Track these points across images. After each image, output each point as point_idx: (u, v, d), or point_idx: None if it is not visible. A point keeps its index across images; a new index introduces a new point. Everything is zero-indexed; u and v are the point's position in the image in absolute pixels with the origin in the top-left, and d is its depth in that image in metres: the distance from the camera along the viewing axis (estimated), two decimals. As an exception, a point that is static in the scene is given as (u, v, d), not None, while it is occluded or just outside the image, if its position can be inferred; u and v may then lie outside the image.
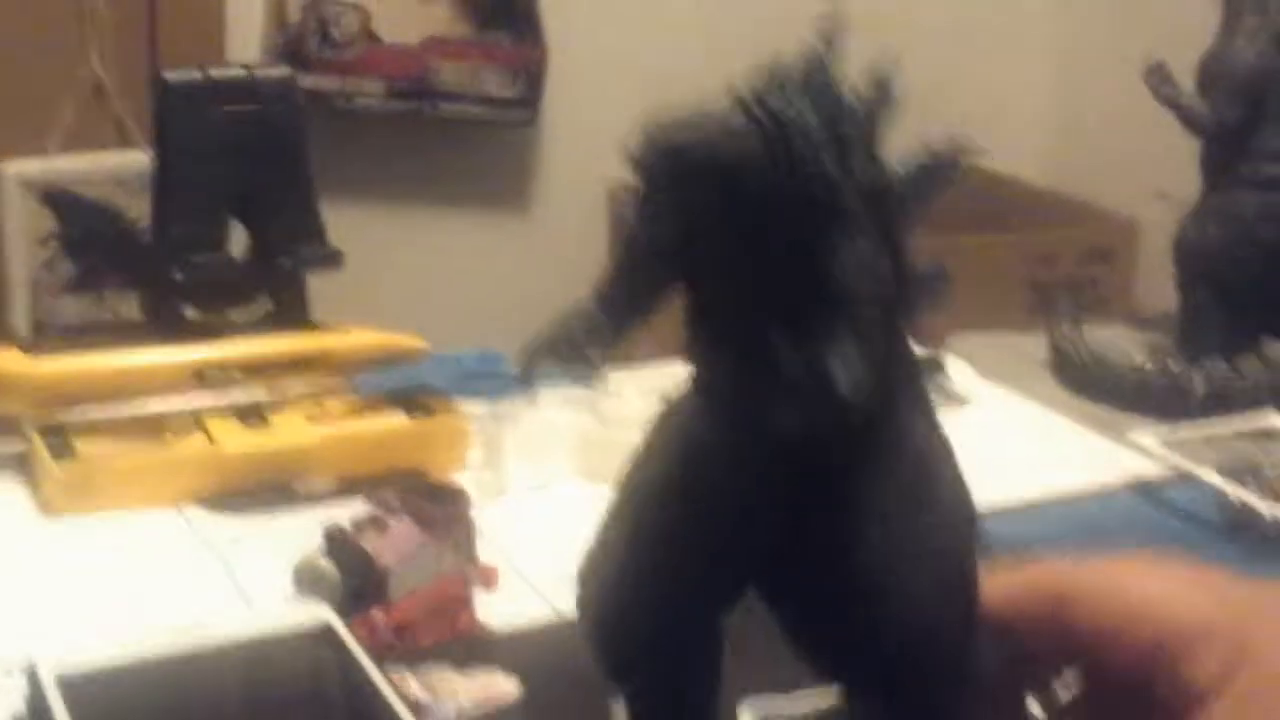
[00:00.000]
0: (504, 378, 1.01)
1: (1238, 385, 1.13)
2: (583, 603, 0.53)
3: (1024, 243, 2.39)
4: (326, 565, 0.78)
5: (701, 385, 0.48)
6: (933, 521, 0.47)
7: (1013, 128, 2.60)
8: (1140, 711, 0.45)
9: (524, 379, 0.47)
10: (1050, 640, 0.46)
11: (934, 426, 0.48)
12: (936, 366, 0.49)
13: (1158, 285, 1.73)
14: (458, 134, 2.39)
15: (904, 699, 0.49)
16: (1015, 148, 2.56)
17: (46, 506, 0.94)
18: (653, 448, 0.52)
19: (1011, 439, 1.11)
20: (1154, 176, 1.27)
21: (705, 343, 0.47)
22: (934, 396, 0.51)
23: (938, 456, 0.48)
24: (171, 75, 1.02)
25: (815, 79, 0.44)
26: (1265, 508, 0.94)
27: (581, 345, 0.48)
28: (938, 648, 0.47)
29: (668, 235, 0.45)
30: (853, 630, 0.48)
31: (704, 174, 0.42)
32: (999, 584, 0.47)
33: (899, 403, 0.46)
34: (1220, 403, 1.11)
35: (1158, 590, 0.44)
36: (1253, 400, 1.11)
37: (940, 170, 0.47)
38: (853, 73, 0.44)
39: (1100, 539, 0.97)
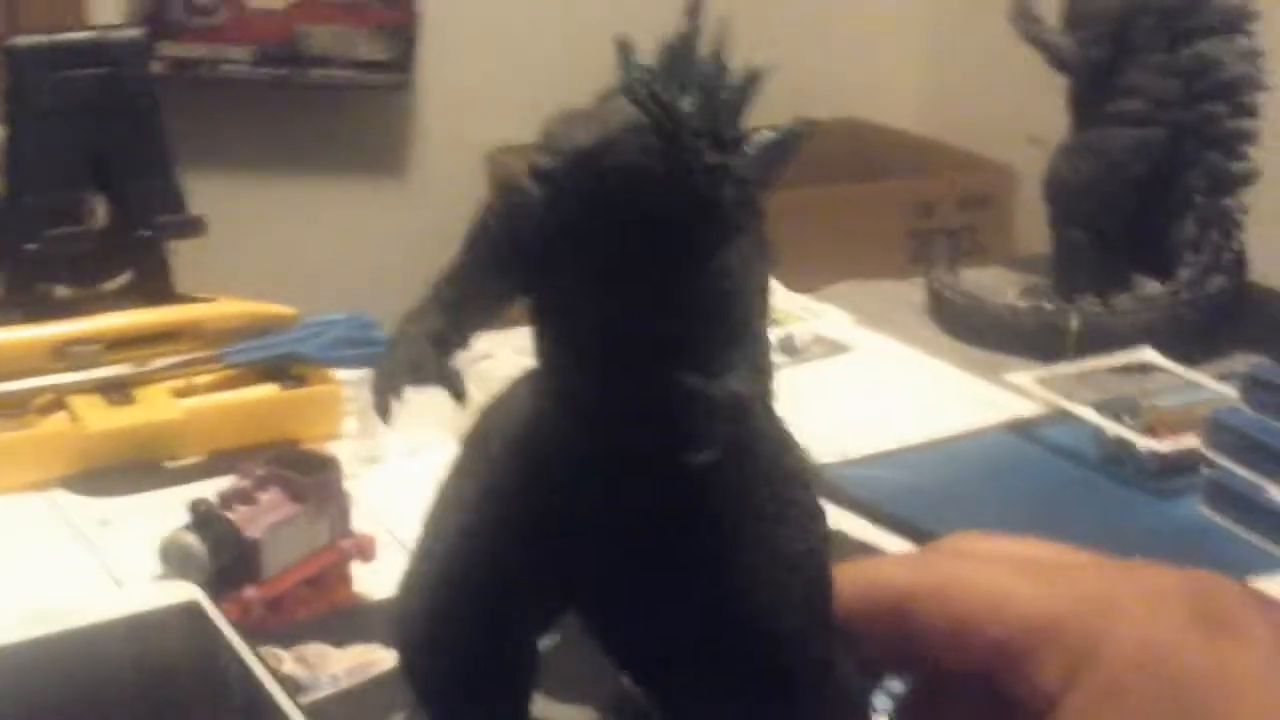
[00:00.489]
0: (377, 343, 0.99)
1: (1112, 322, 1.14)
2: (398, 615, 0.52)
3: (902, 191, 2.40)
4: (193, 541, 0.76)
5: (554, 391, 0.45)
6: (791, 522, 0.45)
7: (886, 76, 2.60)
8: (984, 715, 0.44)
9: (382, 412, 0.45)
10: (891, 644, 0.44)
11: (778, 419, 0.46)
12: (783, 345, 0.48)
13: (1036, 231, 1.74)
14: (329, 99, 2.36)
15: (767, 715, 0.47)
16: (889, 96, 2.57)
17: (-94, 492, 0.91)
18: (482, 448, 0.50)
19: (891, 385, 1.11)
20: (1029, 122, 1.27)
21: (563, 347, 0.44)
22: (804, 352, 0.49)
23: (789, 452, 0.46)
24: (19, 40, 0.99)
25: (689, 63, 0.42)
26: (1140, 441, 0.95)
27: (437, 363, 0.46)
28: (803, 660, 0.46)
29: (526, 241, 0.42)
30: (711, 644, 0.46)
31: (607, 174, 0.40)
32: (838, 586, 0.45)
33: (756, 399, 0.44)
34: (1095, 340, 1.12)
35: (1000, 586, 0.42)
36: (1127, 337, 1.11)
37: (785, 148, 0.45)
38: (715, 45, 0.42)
39: (981, 480, 0.98)
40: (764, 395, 0.43)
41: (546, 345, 0.45)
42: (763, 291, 0.44)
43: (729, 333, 0.42)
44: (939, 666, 0.44)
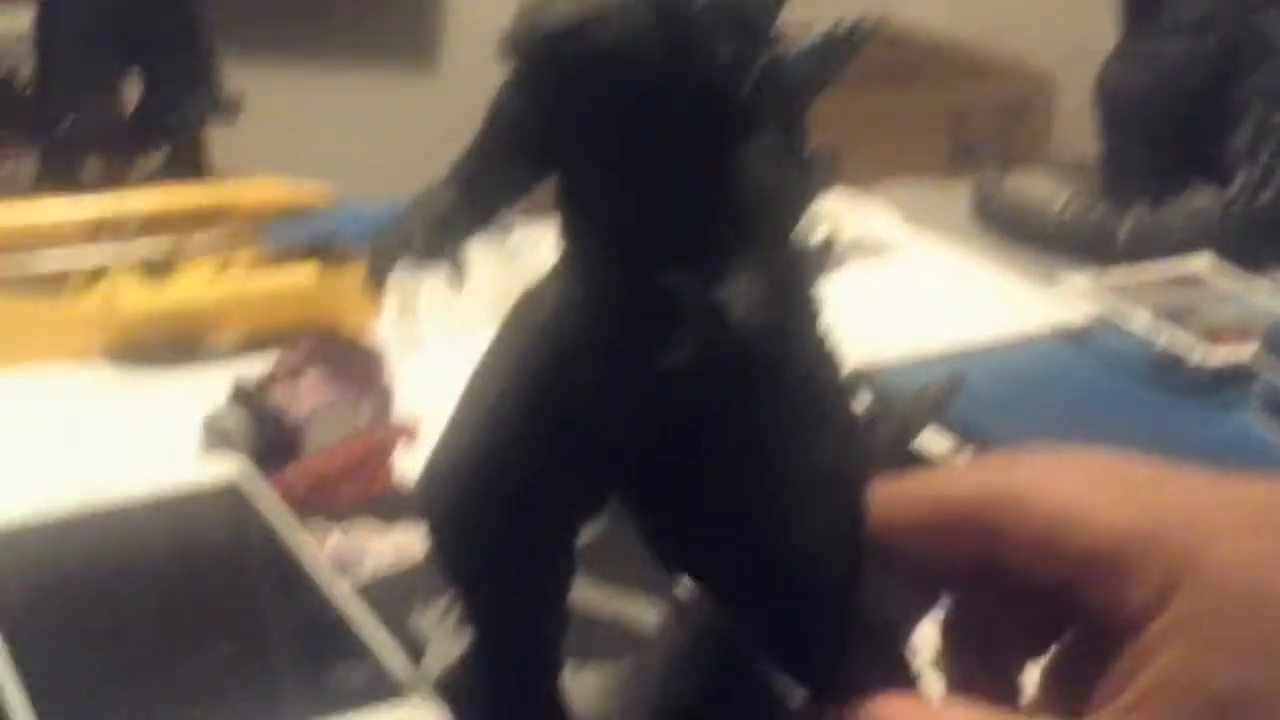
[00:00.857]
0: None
1: (1164, 230, 1.12)
2: (425, 497, 0.50)
3: (937, 99, 2.37)
4: (236, 420, 0.75)
5: (576, 278, 0.44)
6: (821, 442, 0.44)
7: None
8: (1051, 631, 0.42)
9: (374, 281, 0.44)
10: (960, 557, 0.42)
11: (820, 332, 0.45)
12: (832, 257, 0.45)
13: (1073, 141, 1.71)
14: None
15: (786, 626, 0.46)
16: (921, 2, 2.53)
17: (-58, 366, 0.90)
18: (516, 339, 0.49)
19: (936, 287, 1.10)
20: (1067, 30, 1.25)
21: (582, 237, 0.43)
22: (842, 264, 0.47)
23: (825, 369, 0.45)
24: (52, -87, 0.97)
25: None
26: (1192, 351, 0.93)
27: (439, 239, 0.44)
28: (820, 582, 0.44)
29: (542, 120, 0.41)
30: (728, 554, 0.45)
31: (589, 57, 0.37)
32: (902, 494, 0.43)
33: (785, 313, 0.43)
34: (1146, 247, 1.10)
35: (1085, 497, 0.39)
36: (1179, 245, 1.09)
37: (840, 48, 0.42)
38: None
39: (1028, 386, 0.96)
40: (775, 306, 0.40)
41: (566, 229, 0.43)
42: (794, 197, 0.42)
43: (742, 237, 0.40)
44: (1009, 580, 0.42)
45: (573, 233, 0.43)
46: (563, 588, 0.52)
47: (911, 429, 0.49)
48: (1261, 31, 1.15)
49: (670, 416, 0.43)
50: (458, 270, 0.44)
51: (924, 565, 0.43)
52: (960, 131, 2.33)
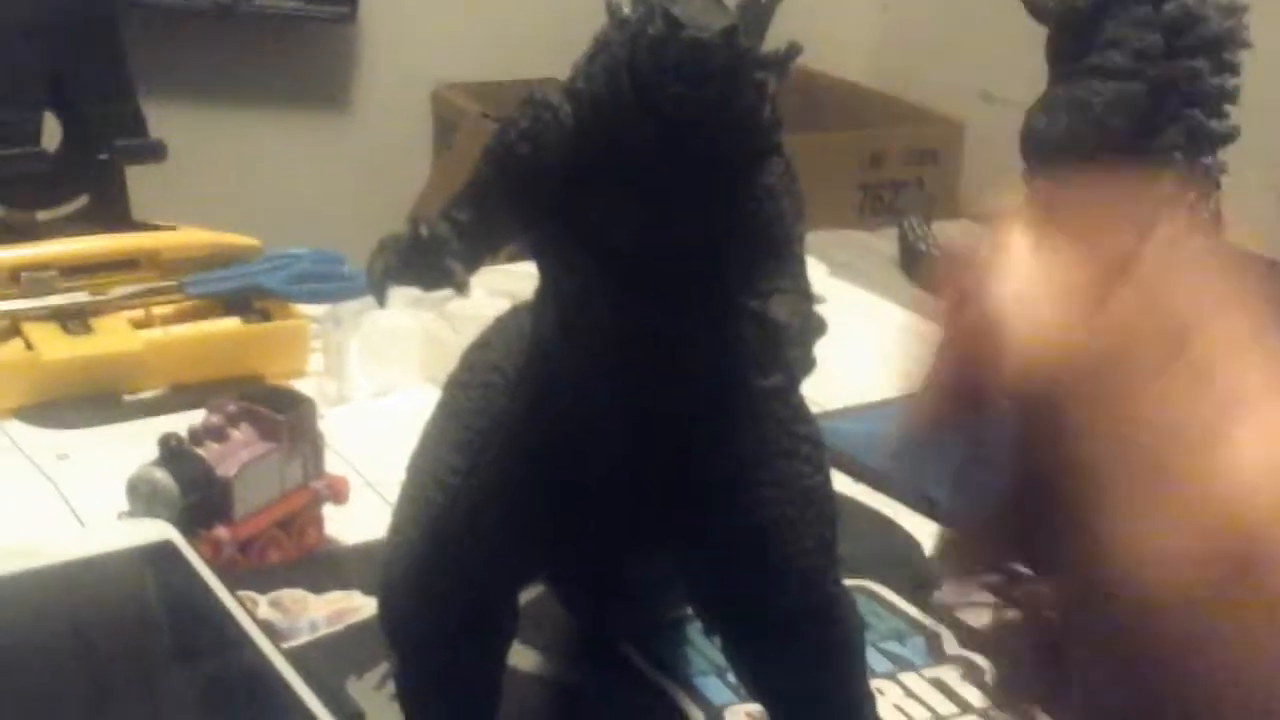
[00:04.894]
0: (343, 279, 0.96)
1: (1089, 280, 1.12)
2: (387, 565, 0.50)
3: (851, 143, 2.39)
4: (163, 477, 0.73)
5: (571, 325, 0.44)
6: (801, 456, 0.46)
7: (838, 27, 2.58)
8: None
9: (377, 290, 0.43)
10: None
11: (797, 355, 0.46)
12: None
13: (984, 187, 1.71)
14: (274, 29, 2.30)
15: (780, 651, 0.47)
16: (840, 47, 2.54)
17: None
18: (473, 388, 0.48)
19: (864, 337, 1.09)
20: (979, 76, 1.26)
21: (587, 274, 0.43)
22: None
23: (797, 394, 0.46)
24: (-26, -47, 0.95)
25: None
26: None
27: (440, 257, 0.44)
28: (814, 598, 0.46)
29: (553, 149, 0.41)
30: (728, 585, 0.46)
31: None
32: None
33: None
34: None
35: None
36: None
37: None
38: None
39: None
40: (810, 319, 0.42)
41: (564, 274, 0.43)
42: (800, 215, 0.43)
43: (774, 254, 0.41)
44: None
45: (566, 273, 0.43)
46: (506, 644, 0.52)
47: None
48: (1188, 77, 1.16)
49: (678, 444, 0.44)
50: (457, 284, 0.43)
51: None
52: (872, 174, 2.35)
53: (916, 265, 1.19)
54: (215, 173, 2.13)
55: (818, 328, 0.41)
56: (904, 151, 2.38)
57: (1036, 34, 1.20)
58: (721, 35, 0.38)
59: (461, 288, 0.43)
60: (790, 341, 0.40)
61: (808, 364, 0.42)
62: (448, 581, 0.49)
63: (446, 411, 0.48)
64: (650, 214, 0.41)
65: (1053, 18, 1.18)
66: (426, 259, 0.43)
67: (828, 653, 0.47)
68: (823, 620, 0.47)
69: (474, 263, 0.44)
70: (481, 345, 0.48)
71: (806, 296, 0.42)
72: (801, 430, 0.46)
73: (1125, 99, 1.15)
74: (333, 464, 0.80)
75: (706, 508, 0.46)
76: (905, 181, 2.35)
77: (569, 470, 0.46)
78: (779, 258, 0.41)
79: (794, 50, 0.42)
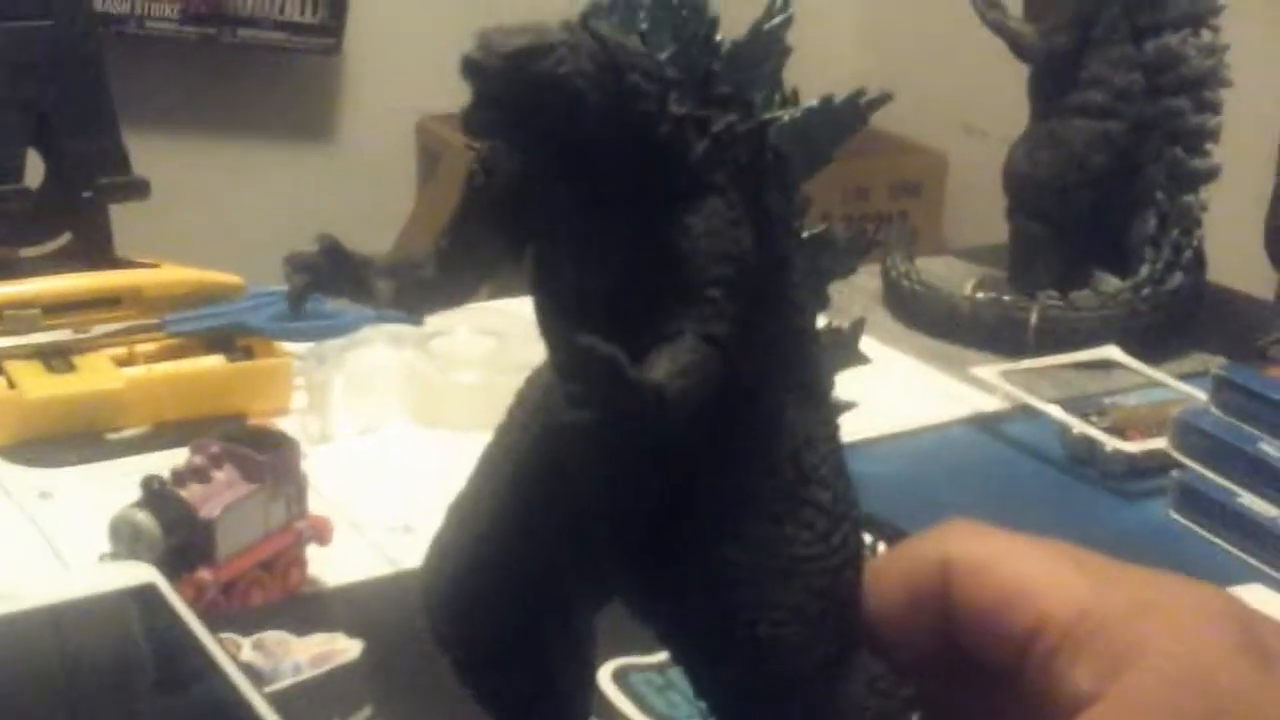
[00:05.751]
0: (327, 316, 0.96)
1: (1071, 318, 1.12)
2: (428, 596, 0.49)
3: (836, 175, 2.39)
4: (145, 519, 0.72)
5: (551, 360, 0.43)
6: (801, 523, 0.42)
7: (821, 60, 2.59)
8: (1002, 704, 0.42)
9: (295, 304, 0.43)
10: (929, 630, 0.41)
11: (821, 413, 0.44)
12: (845, 342, 0.45)
13: (966, 219, 1.73)
14: (258, 61, 2.31)
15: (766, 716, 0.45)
16: (824, 79, 2.55)
17: None
18: (515, 423, 0.48)
19: (849, 376, 1.09)
20: (963, 110, 1.26)
21: (550, 314, 0.42)
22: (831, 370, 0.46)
23: (812, 448, 0.43)
24: (-45, -9, 0.95)
25: (670, 11, 0.40)
26: (1108, 442, 0.93)
27: (369, 273, 0.43)
28: (791, 673, 0.43)
29: (503, 179, 0.41)
30: (710, 649, 0.44)
31: (535, 86, 0.37)
32: (880, 568, 0.42)
33: (773, 387, 0.42)
34: (1054, 336, 1.11)
35: (1040, 569, 0.39)
36: (1087, 333, 1.10)
37: (843, 114, 0.42)
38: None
39: (943, 475, 0.96)
40: (707, 380, 0.38)
41: (536, 309, 0.43)
42: (729, 258, 0.39)
43: (680, 298, 0.39)
44: (969, 654, 0.41)
45: (540, 311, 0.42)
46: (586, 675, 0.50)
47: None
48: (1169, 116, 1.17)
49: (649, 491, 0.42)
50: (379, 303, 0.43)
51: (897, 646, 0.42)
52: (856, 206, 2.36)
53: (899, 301, 1.19)
54: (199, 205, 2.14)
55: (706, 375, 0.38)
56: (888, 184, 2.39)
57: (1020, 68, 1.21)
58: (505, 59, 0.37)
59: (380, 304, 0.43)
60: (586, 371, 0.37)
61: (774, 429, 0.41)
62: (491, 608, 0.47)
63: (491, 442, 0.48)
64: (567, 249, 0.40)
65: (1034, 55, 1.19)
66: (346, 271, 0.43)
67: None
68: (788, 700, 0.44)
69: (458, 290, 0.44)
70: (531, 376, 0.48)
71: (708, 339, 0.39)
72: (812, 495, 0.43)
73: (1107, 137, 1.16)
74: (316, 504, 0.80)
75: (670, 559, 0.44)
76: (889, 215, 2.36)
77: (561, 506, 0.45)
78: (686, 301, 0.39)
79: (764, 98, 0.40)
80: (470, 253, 0.43)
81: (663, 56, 0.39)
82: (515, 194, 0.41)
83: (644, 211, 0.39)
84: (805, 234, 0.42)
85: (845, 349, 0.46)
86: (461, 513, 0.48)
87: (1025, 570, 0.39)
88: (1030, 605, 0.38)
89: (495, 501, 0.47)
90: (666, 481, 0.42)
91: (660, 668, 0.68)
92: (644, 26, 0.39)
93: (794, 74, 0.44)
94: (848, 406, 0.46)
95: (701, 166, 0.39)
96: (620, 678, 0.68)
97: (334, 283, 0.43)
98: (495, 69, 0.37)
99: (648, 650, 0.66)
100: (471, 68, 0.37)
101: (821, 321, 0.45)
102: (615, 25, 0.39)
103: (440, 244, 0.43)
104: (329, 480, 0.85)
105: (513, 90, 0.37)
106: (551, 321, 0.42)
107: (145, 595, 0.64)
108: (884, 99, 0.42)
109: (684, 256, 0.39)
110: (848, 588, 0.43)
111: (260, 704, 0.57)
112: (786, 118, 0.41)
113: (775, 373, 0.42)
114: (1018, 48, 1.20)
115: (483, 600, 0.47)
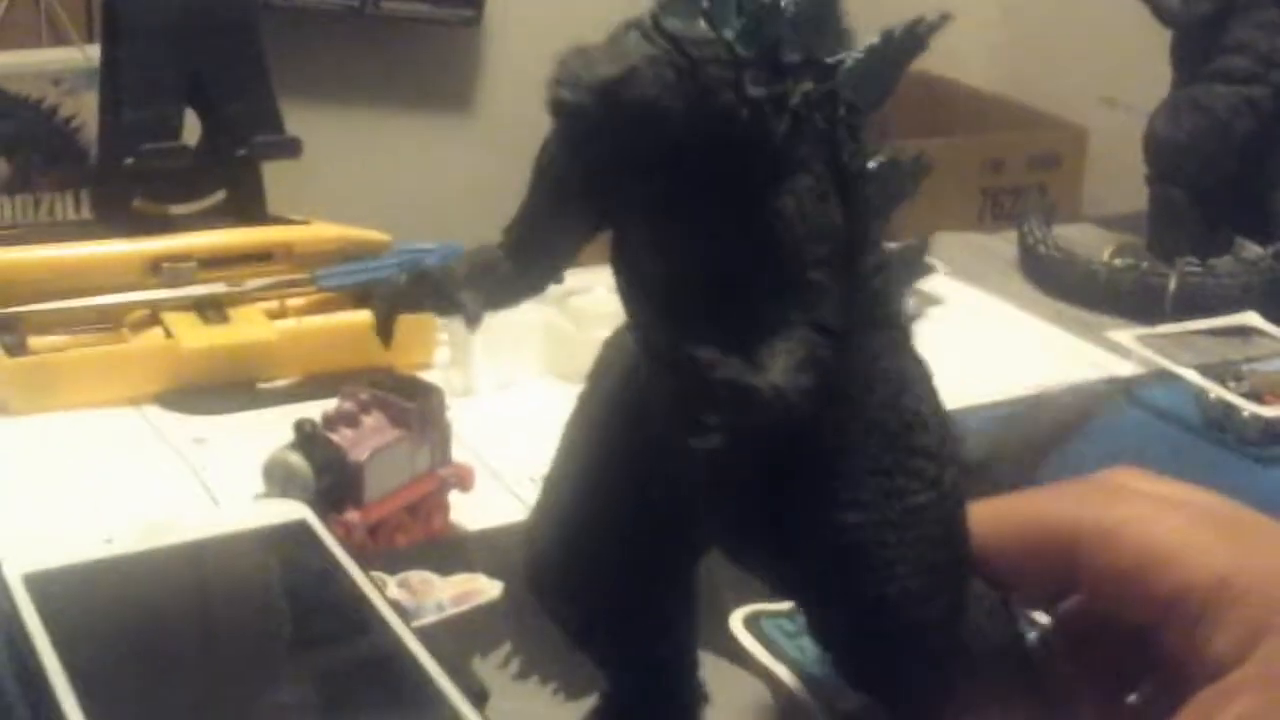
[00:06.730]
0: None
1: (1210, 285, 1.11)
2: (531, 562, 0.50)
3: (972, 148, 2.38)
4: (298, 460, 0.75)
5: (636, 342, 0.43)
6: (911, 472, 0.43)
7: (959, 32, 2.56)
8: (1137, 662, 0.42)
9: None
10: (1050, 581, 0.42)
11: (910, 348, 0.44)
12: (918, 269, 0.45)
13: (1106, 192, 1.71)
14: (401, 32, 2.34)
15: (885, 671, 0.45)
16: (962, 52, 2.54)
17: (2, 407, 0.90)
18: (601, 385, 0.48)
19: (985, 338, 1.10)
20: (1100, 82, 1.25)
21: (629, 298, 0.42)
22: (909, 307, 0.46)
23: (908, 393, 0.43)
24: (117, -43, 0.98)
25: None
26: (1244, 405, 0.93)
27: (453, 290, 0.43)
28: (918, 621, 0.43)
29: (586, 178, 0.41)
30: (832, 605, 0.44)
31: (624, 112, 0.37)
32: (996, 518, 0.43)
33: (864, 329, 0.42)
34: (1193, 303, 1.10)
35: (1178, 537, 0.39)
36: (1225, 300, 1.09)
37: (890, 56, 0.42)
38: None
39: (1079, 437, 0.96)
40: (819, 365, 0.39)
41: (619, 289, 0.43)
42: (842, 231, 0.40)
43: (782, 284, 0.39)
44: (1097, 612, 0.42)
45: (622, 292, 0.43)
46: (687, 626, 0.51)
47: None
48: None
49: (725, 486, 0.42)
50: (472, 318, 0.44)
51: (1019, 588, 0.43)
52: (993, 179, 2.34)
53: (1036, 269, 1.19)
54: (347, 166, 2.17)
55: (825, 367, 0.38)
56: (1025, 157, 2.37)
57: (1159, 38, 1.20)
58: (595, 94, 0.37)
59: (472, 320, 0.43)
60: (736, 403, 0.36)
61: (869, 385, 0.41)
62: (590, 568, 0.48)
63: (576, 407, 0.49)
64: (660, 237, 0.40)
65: (1177, 21, 1.18)
66: (440, 289, 0.44)
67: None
68: (916, 645, 0.44)
69: (538, 277, 0.44)
70: (609, 340, 0.48)
71: (819, 328, 0.39)
72: (917, 441, 0.43)
73: (1250, 103, 1.15)
74: (458, 453, 0.83)
75: (778, 521, 0.43)
76: (1027, 187, 2.34)
77: (661, 468, 0.45)
78: (788, 290, 0.39)
79: (836, 59, 0.40)
80: (542, 240, 0.43)
81: (730, 35, 0.38)
82: (596, 182, 0.41)
83: (729, 198, 0.39)
84: (872, 164, 0.42)
85: (911, 265, 0.45)
86: (556, 488, 0.49)
87: (1163, 536, 0.40)
88: (1169, 573, 0.39)
89: (588, 476, 0.48)
90: (766, 445, 0.41)
91: (791, 614, 0.69)
92: (706, 3, 0.39)
93: (933, 48, 0.44)
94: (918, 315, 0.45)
95: (785, 146, 0.39)
96: (752, 623, 0.69)
97: (419, 305, 0.44)
98: (587, 107, 0.37)
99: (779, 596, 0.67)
100: (562, 108, 0.37)
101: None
102: (682, 14, 0.38)
103: (511, 237, 0.43)
104: (470, 430, 0.87)
105: (609, 125, 0.37)
106: (637, 308, 0.42)
107: (298, 531, 0.67)
108: (942, 22, 0.42)
109: (780, 241, 0.39)
110: (961, 526, 0.44)
111: (409, 637, 0.59)
112: (850, 61, 0.41)
113: (863, 315, 0.42)
114: (1161, 13, 1.19)
115: (583, 573, 0.48)
